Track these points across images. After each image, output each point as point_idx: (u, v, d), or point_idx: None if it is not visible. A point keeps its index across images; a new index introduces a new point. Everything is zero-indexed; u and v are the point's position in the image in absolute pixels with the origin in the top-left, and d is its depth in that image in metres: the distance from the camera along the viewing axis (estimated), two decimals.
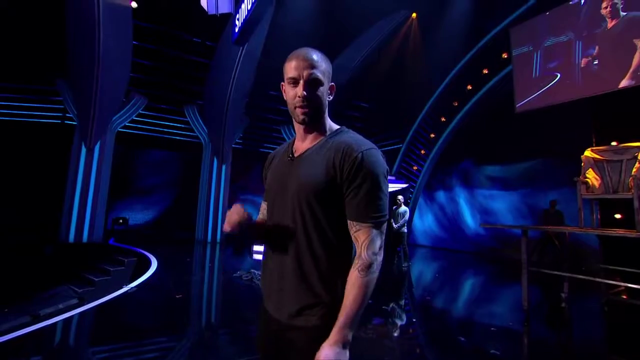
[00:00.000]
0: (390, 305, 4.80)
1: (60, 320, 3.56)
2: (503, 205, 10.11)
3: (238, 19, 7.56)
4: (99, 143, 9.40)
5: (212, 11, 7.73)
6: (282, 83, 1.13)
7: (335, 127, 1.18)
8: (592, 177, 4.75)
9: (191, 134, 11.83)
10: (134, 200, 11.42)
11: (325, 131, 1.15)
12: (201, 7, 8.20)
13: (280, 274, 1.08)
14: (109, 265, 6.50)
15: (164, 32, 10.33)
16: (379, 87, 12.66)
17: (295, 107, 1.10)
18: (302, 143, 1.17)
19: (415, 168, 12.19)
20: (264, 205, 1.25)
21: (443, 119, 11.32)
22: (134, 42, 9.68)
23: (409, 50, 11.59)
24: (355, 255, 1.05)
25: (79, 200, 9.06)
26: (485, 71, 10.15)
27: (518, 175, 9.72)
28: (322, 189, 1.04)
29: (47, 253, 7.73)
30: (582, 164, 4.88)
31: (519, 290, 4.53)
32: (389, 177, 11.41)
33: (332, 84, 1.16)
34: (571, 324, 4.30)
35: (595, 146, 5.36)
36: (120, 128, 10.37)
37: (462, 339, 3.58)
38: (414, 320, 4.26)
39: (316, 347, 0.95)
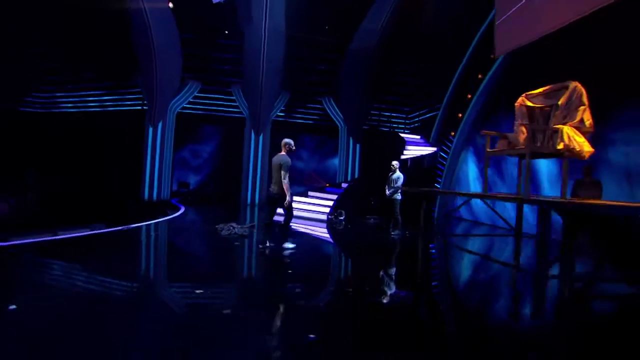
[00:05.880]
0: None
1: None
2: (551, 170, 8.38)
3: None
4: (160, 123, 11.86)
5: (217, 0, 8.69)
6: None
7: None
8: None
9: (238, 110, 13.47)
10: (194, 168, 13.95)
11: None
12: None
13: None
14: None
15: (205, 24, 11.91)
16: (411, 50, 11.66)
17: None
18: None
19: (452, 134, 11.01)
20: None
21: (480, 76, 9.80)
22: (185, 36, 11.59)
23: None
24: None
25: (149, 170, 11.82)
26: None
27: None
28: None
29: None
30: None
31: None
32: (415, 139, 10.83)
33: None
34: None
35: None
36: (180, 109, 12.69)
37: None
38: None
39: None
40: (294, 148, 5.13)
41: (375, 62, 12.33)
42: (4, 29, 11.57)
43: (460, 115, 10.72)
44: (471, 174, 11.12)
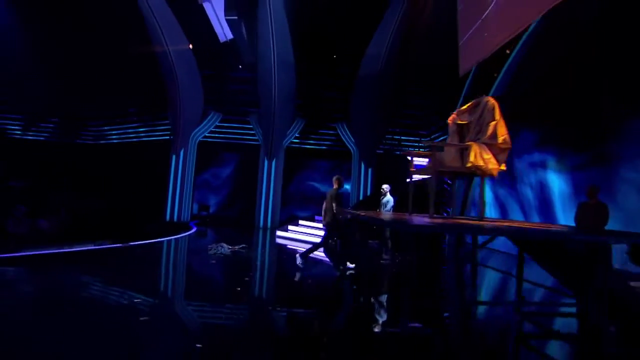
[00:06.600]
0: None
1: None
2: (565, 189, 7.63)
3: None
4: (182, 151, 12.99)
5: (223, 39, 9.64)
6: None
7: None
8: None
9: (255, 137, 14.25)
10: (213, 192, 14.81)
11: None
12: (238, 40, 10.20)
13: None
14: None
15: (221, 60, 13.13)
16: (417, 73, 11.63)
17: None
18: None
19: None
20: None
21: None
22: (204, 72, 12.87)
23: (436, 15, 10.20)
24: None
25: (171, 194, 12.88)
26: None
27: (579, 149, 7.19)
28: None
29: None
30: None
31: None
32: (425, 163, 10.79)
33: None
34: None
35: None
36: (202, 138, 13.80)
37: None
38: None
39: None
40: (343, 182, 6.29)
41: (384, 87, 12.43)
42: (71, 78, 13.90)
43: None
44: (485, 199, 10.43)
